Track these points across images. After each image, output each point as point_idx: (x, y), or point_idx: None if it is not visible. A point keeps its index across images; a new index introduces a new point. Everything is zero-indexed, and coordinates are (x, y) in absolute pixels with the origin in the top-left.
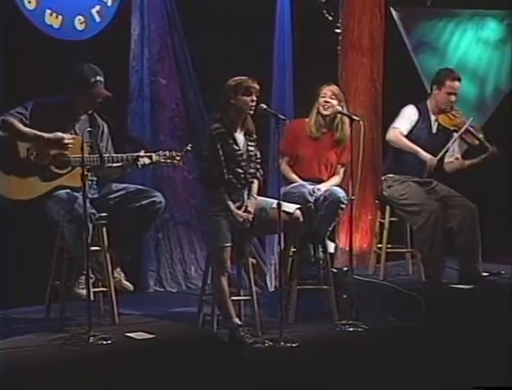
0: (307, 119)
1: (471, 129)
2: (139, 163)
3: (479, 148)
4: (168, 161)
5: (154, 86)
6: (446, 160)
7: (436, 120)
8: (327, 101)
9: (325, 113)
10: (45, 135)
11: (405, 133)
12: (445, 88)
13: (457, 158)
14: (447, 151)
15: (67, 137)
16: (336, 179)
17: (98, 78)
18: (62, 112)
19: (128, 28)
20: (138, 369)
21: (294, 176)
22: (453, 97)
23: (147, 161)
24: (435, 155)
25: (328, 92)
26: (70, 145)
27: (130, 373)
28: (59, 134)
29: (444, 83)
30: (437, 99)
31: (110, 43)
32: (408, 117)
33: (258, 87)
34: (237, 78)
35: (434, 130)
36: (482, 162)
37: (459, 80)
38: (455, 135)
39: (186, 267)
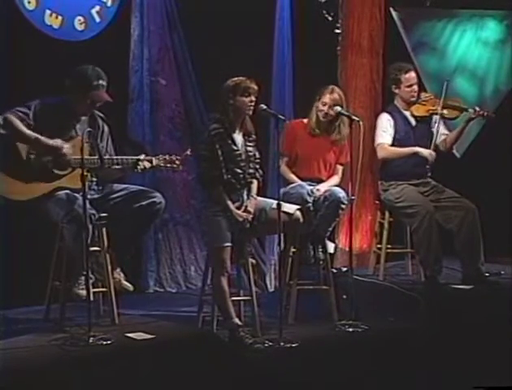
0: (305, 120)
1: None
2: (139, 167)
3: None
4: (168, 165)
5: (153, 87)
6: (438, 142)
7: (411, 114)
8: (326, 112)
9: (324, 120)
10: (45, 140)
11: (391, 142)
12: (403, 83)
13: (446, 135)
14: (435, 136)
15: (66, 146)
16: (336, 179)
17: (101, 82)
18: (63, 112)
19: (128, 29)
20: (138, 369)
21: (293, 177)
22: (415, 87)
23: (147, 165)
24: (427, 146)
25: (330, 101)
26: (68, 154)
27: (130, 373)
28: (59, 141)
29: (400, 79)
30: (402, 96)
31: (110, 43)
32: (385, 127)
33: (256, 87)
34: (236, 78)
35: (413, 123)
36: (467, 125)
37: (412, 70)
38: (435, 117)
39: (186, 268)
